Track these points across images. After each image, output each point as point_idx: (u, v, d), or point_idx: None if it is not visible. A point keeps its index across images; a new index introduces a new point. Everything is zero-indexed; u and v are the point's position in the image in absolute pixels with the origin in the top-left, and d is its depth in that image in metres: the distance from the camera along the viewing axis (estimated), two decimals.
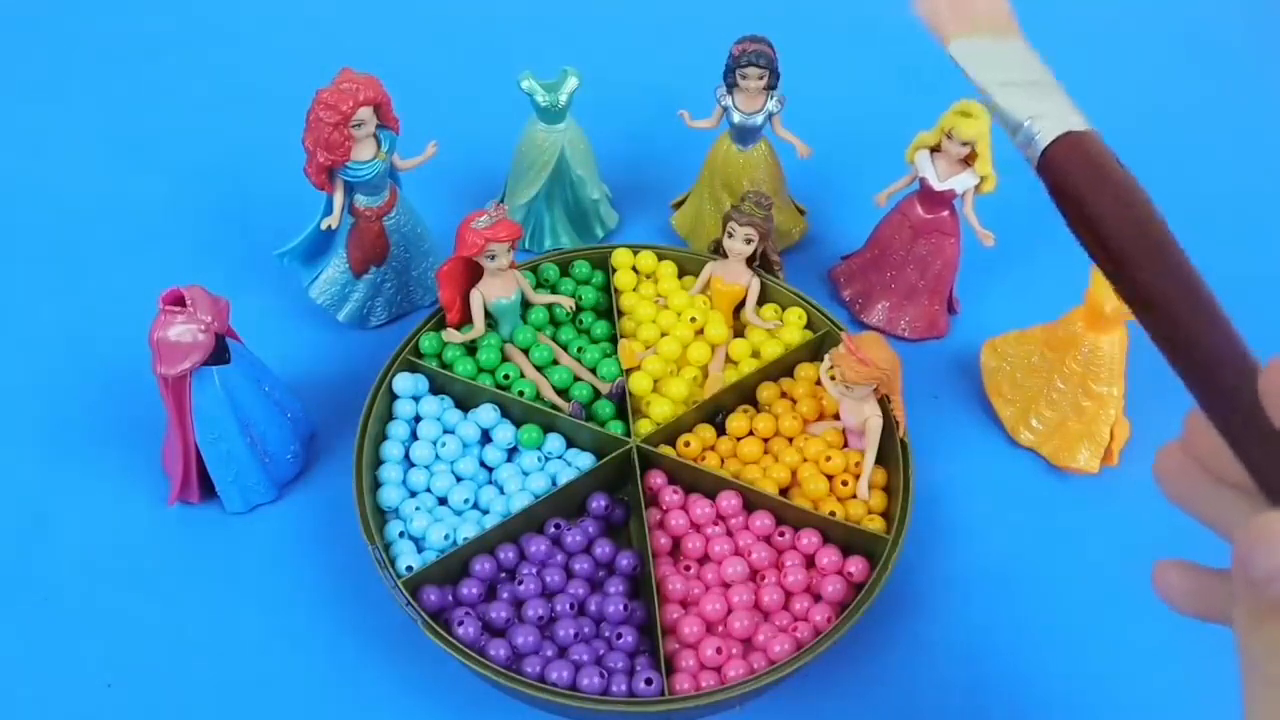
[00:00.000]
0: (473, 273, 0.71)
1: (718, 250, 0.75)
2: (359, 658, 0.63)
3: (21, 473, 0.71)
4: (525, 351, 0.73)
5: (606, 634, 0.61)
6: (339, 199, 0.71)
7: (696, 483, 0.68)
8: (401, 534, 0.64)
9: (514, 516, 0.64)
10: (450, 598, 0.62)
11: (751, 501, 0.66)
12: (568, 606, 0.61)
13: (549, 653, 0.60)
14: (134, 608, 0.64)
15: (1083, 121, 0.34)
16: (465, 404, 0.71)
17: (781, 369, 0.74)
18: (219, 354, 0.61)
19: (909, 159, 0.73)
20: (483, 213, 0.68)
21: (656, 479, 0.68)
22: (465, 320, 0.72)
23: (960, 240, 0.76)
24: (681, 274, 0.79)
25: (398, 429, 0.69)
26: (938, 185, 0.72)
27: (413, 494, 0.68)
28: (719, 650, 0.60)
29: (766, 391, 0.72)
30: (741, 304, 0.75)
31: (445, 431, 0.70)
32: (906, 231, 0.76)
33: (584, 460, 0.68)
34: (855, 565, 0.63)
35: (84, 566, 0.66)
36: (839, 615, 0.61)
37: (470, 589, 0.62)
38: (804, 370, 0.73)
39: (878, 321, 0.80)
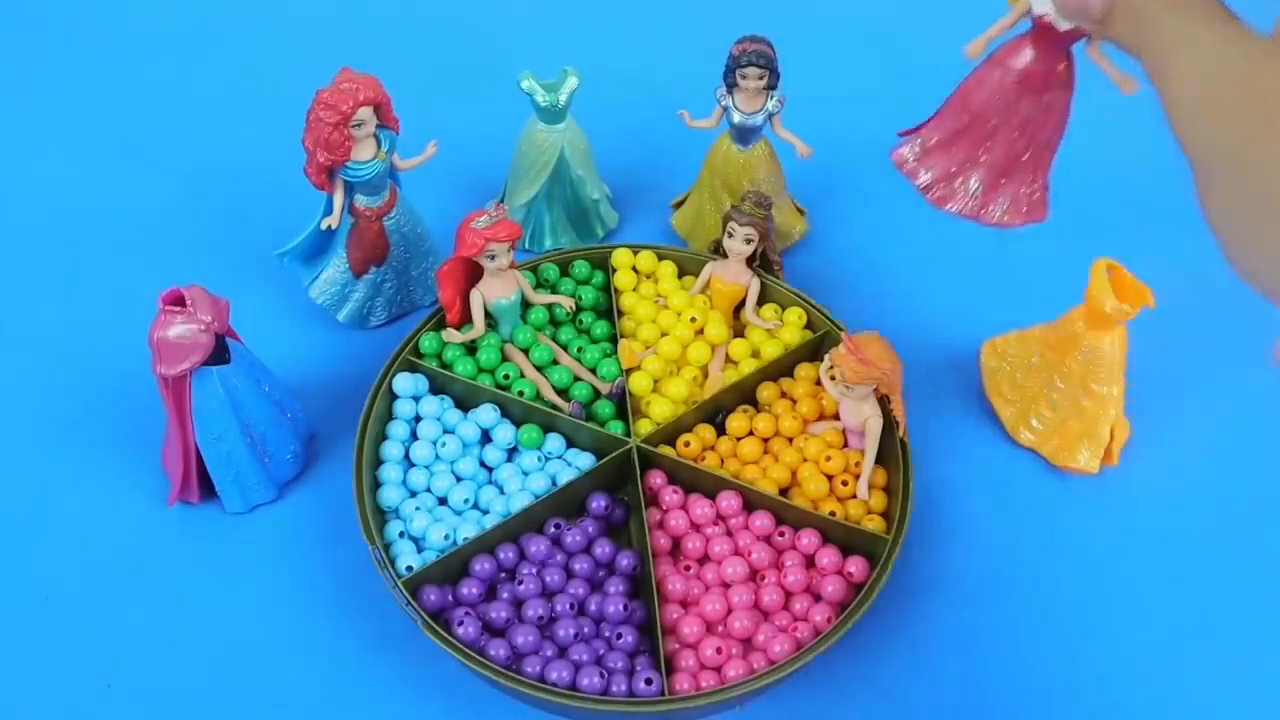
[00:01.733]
0: (473, 273, 0.71)
1: (718, 250, 0.75)
2: (359, 658, 0.63)
3: (22, 472, 0.71)
4: (525, 351, 0.73)
5: (606, 634, 0.61)
6: (339, 199, 0.71)
7: (696, 483, 0.68)
8: (401, 534, 0.64)
9: (514, 516, 0.64)
10: (450, 598, 0.62)
11: (751, 501, 0.66)
12: (568, 606, 0.61)
13: (549, 653, 0.60)
14: (134, 608, 0.64)
15: None
16: (465, 404, 0.71)
17: (781, 369, 0.73)
18: (219, 354, 0.61)
19: None
20: (483, 213, 0.68)
21: (656, 479, 0.68)
22: (465, 320, 0.72)
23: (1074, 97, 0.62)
24: (681, 274, 0.79)
25: (398, 429, 0.69)
26: (1064, 22, 0.56)
27: (413, 494, 0.68)
28: (719, 650, 0.60)
29: (766, 391, 0.72)
30: (741, 304, 0.75)
31: (445, 431, 0.70)
32: (1009, 88, 0.61)
33: (584, 460, 0.68)
34: (855, 565, 0.63)
35: (84, 566, 0.66)
36: (839, 615, 0.61)
37: (470, 589, 0.62)
38: (804, 370, 0.73)
39: (965, 209, 0.67)
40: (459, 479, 0.68)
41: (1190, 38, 0.28)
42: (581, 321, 0.76)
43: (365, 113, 0.67)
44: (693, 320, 0.74)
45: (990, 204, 0.65)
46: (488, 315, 0.72)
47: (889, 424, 0.67)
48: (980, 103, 0.62)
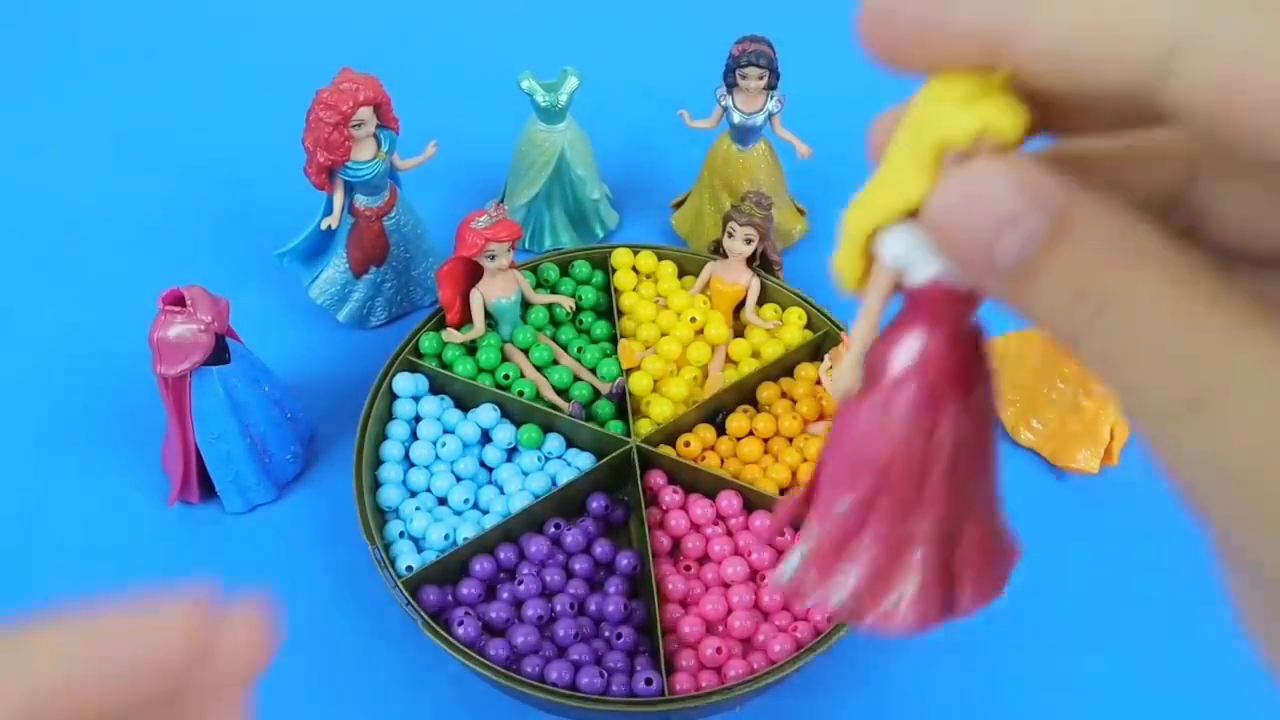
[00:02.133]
0: (473, 273, 0.71)
1: (718, 250, 0.75)
2: (359, 658, 0.63)
3: (21, 472, 0.71)
4: (525, 351, 0.73)
5: (606, 633, 0.61)
6: (339, 199, 0.71)
7: (696, 483, 0.68)
8: (401, 534, 0.64)
9: (514, 516, 0.64)
10: (450, 597, 0.62)
11: (751, 501, 0.66)
12: (567, 606, 0.61)
13: (548, 652, 0.60)
14: None
15: None
16: (465, 404, 0.71)
17: (781, 369, 0.73)
18: (219, 354, 0.61)
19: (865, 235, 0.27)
20: (483, 213, 0.68)
21: (656, 479, 0.68)
22: (465, 320, 0.72)
23: None
24: (681, 274, 0.79)
25: (398, 429, 0.69)
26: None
27: (413, 494, 0.68)
28: (719, 650, 0.60)
29: (766, 391, 0.72)
30: (741, 304, 0.75)
31: (445, 431, 0.70)
32: (920, 408, 0.28)
33: (584, 460, 0.68)
34: None
35: (84, 567, 0.66)
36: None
37: (470, 589, 0.62)
38: (804, 370, 0.73)
39: (923, 619, 0.29)
40: (459, 479, 0.68)
41: (1258, 365, 0.17)
42: (581, 321, 0.76)
43: (365, 113, 0.67)
44: (693, 320, 0.74)
45: (959, 594, 0.31)
46: (488, 315, 0.72)
47: None
48: (886, 447, 0.30)
